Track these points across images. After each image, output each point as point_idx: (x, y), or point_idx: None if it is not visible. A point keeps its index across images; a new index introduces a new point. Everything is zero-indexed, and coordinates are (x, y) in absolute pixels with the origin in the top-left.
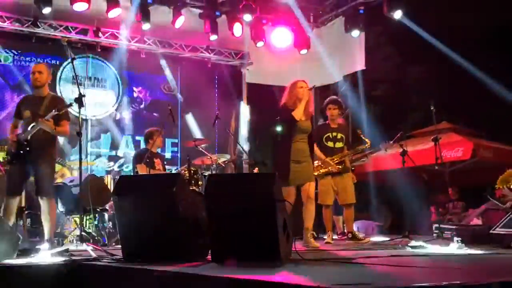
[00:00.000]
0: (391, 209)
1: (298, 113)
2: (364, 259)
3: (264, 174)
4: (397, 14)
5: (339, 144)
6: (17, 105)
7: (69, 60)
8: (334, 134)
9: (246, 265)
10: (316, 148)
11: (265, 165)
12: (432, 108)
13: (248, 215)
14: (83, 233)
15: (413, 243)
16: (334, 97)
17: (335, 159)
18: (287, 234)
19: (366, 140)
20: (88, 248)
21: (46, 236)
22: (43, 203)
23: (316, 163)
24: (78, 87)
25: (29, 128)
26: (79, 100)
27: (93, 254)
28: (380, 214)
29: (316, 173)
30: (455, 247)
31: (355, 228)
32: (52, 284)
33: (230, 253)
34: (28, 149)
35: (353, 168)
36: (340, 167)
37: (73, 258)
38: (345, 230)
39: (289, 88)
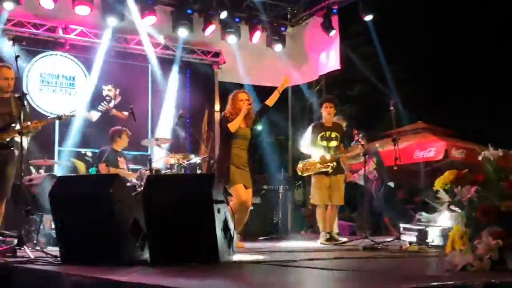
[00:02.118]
0: (365, 210)
1: (234, 126)
2: (303, 262)
3: (204, 175)
4: (368, 17)
5: (333, 143)
6: None
7: (37, 58)
8: (328, 133)
9: (184, 267)
10: (309, 150)
11: None
12: (391, 109)
13: (186, 216)
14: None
15: (366, 244)
16: (330, 95)
17: (328, 159)
18: (228, 236)
19: (360, 140)
20: (26, 250)
21: None
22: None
23: (311, 160)
24: (21, 85)
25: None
26: (21, 99)
27: (31, 256)
28: (357, 215)
29: (312, 172)
30: (407, 249)
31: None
32: None
33: (169, 255)
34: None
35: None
36: (331, 165)
37: (8, 260)
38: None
39: (231, 100)
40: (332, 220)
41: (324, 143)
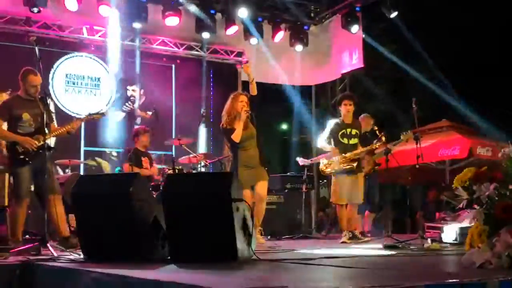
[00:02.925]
0: (391, 208)
1: (237, 136)
2: (322, 260)
3: (222, 173)
4: (393, 14)
5: (353, 141)
6: (4, 105)
7: (63, 59)
8: (349, 130)
9: (203, 264)
10: (325, 145)
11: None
12: (414, 107)
13: (205, 214)
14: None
15: (388, 243)
16: (349, 93)
17: (349, 156)
18: (248, 234)
19: (382, 136)
20: (50, 247)
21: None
22: (54, 199)
23: (332, 159)
24: (46, 86)
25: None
26: (44, 99)
27: (54, 254)
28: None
29: (335, 171)
30: (427, 247)
31: None
32: (3, 284)
33: (188, 253)
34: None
35: (376, 167)
36: (354, 164)
37: (30, 258)
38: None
39: (231, 99)
40: (354, 219)
41: (345, 140)
